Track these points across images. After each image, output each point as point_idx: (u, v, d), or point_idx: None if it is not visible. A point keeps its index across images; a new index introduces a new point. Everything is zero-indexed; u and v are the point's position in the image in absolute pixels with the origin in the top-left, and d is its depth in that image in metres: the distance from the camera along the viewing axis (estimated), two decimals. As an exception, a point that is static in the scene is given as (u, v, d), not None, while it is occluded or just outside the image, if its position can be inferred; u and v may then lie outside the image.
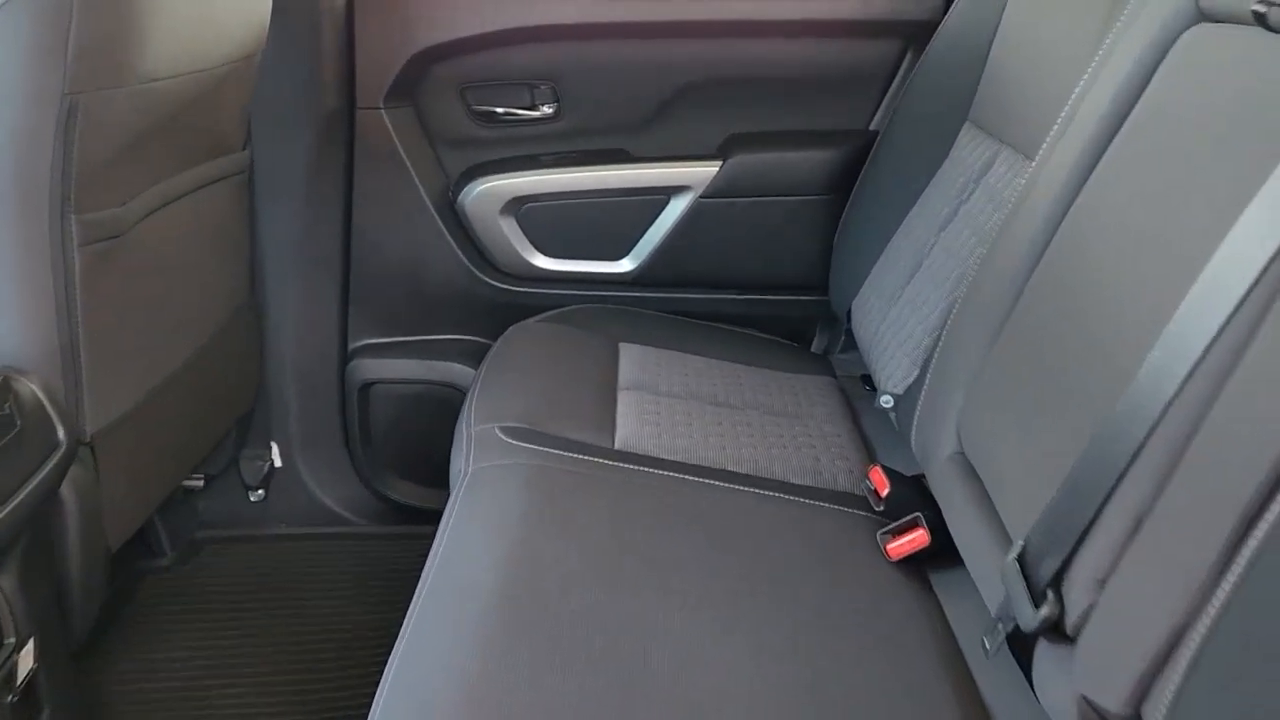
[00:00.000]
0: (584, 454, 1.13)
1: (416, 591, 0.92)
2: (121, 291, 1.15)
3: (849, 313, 1.44)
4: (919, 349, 1.17)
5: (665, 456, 1.17)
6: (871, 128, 1.61)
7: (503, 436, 1.15)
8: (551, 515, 1.01)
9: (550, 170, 1.60)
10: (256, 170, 1.52)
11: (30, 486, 0.96)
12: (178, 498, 1.61)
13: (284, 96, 1.50)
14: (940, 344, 1.12)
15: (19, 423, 0.96)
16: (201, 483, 1.61)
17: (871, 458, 1.27)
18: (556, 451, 1.12)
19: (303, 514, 1.72)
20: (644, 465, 1.13)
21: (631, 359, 1.41)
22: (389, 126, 1.56)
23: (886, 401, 1.19)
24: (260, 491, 1.69)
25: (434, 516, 1.11)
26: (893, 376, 1.22)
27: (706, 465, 1.17)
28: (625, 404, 1.28)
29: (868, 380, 1.48)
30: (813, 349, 1.70)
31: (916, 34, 1.54)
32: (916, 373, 1.16)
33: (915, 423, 1.10)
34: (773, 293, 1.66)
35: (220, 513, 1.69)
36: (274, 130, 1.51)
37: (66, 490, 1.12)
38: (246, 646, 1.43)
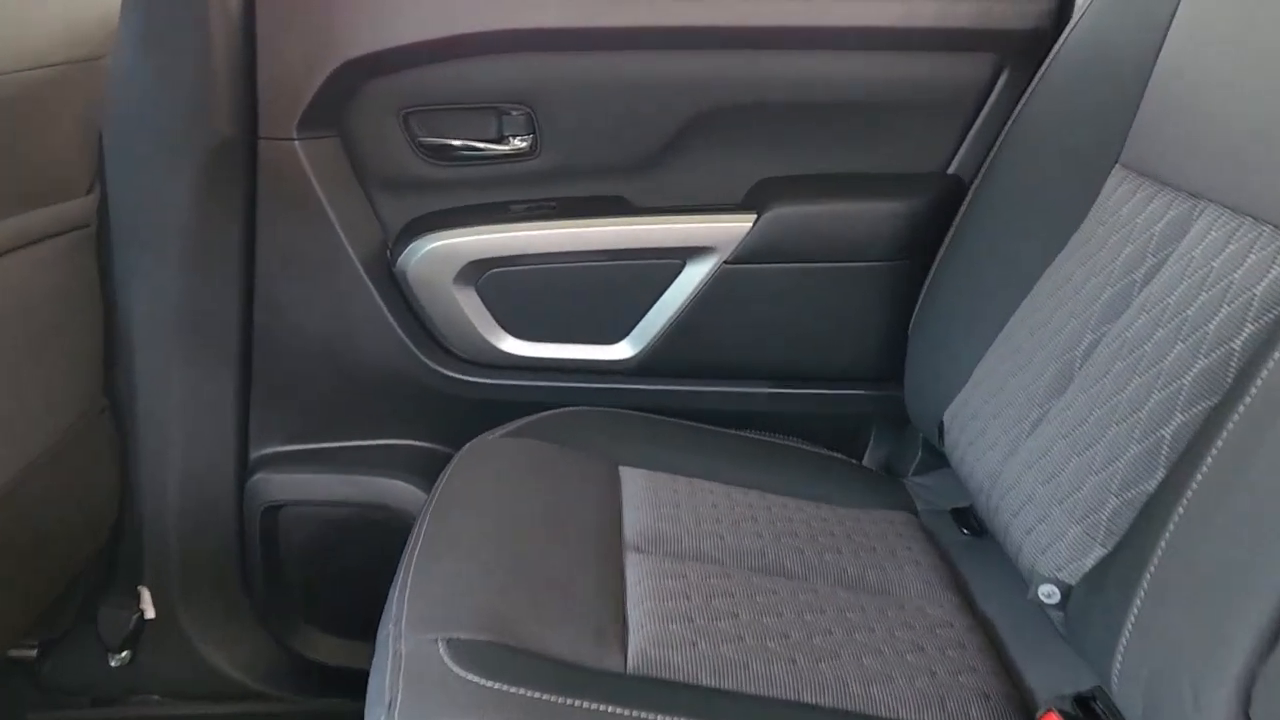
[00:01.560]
0: (576, 696, 0.71)
1: None
2: None
3: (940, 426, 1.04)
4: (1099, 513, 0.76)
5: (707, 682, 0.75)
6: (952, 171, 1.21)
7: (450, 663, 0.72)
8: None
9: (523, 225, 1.18)
10: (114, 222, 1.10)
11: None
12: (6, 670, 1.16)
13: (154, 122, 1.08)
14: (1146, 515, 0.71)
15: None
16: (34, 651, 1.16)
17: (1010, 666, 0.85)
18: (534, 694, 0.70)
19: (186, 681, 1.27)
20: (674, 712, 0.71)
21: (639, 494, 0.99)
22: (304, 163, 1.14)
23: (1049, 595, 0.78)
24: (125, 654, 1.25)
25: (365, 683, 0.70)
26: (1053, 552, 0.80)
27: (771, 696, 0.75)
28: (638, 581, 0.86)
29: (962, 517, 1.08)
30: (865, 461, 1.29)
31: (1018, 48, 1.15)
32: (1102, 550, 0.75)
33: (1121, 648, 0.68)
34: (818, 385, 1.25)
35: (68, 685, 1.25)
36: (139, 168, 1.09)
37: None
38: None
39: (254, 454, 1.25)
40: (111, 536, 1.18)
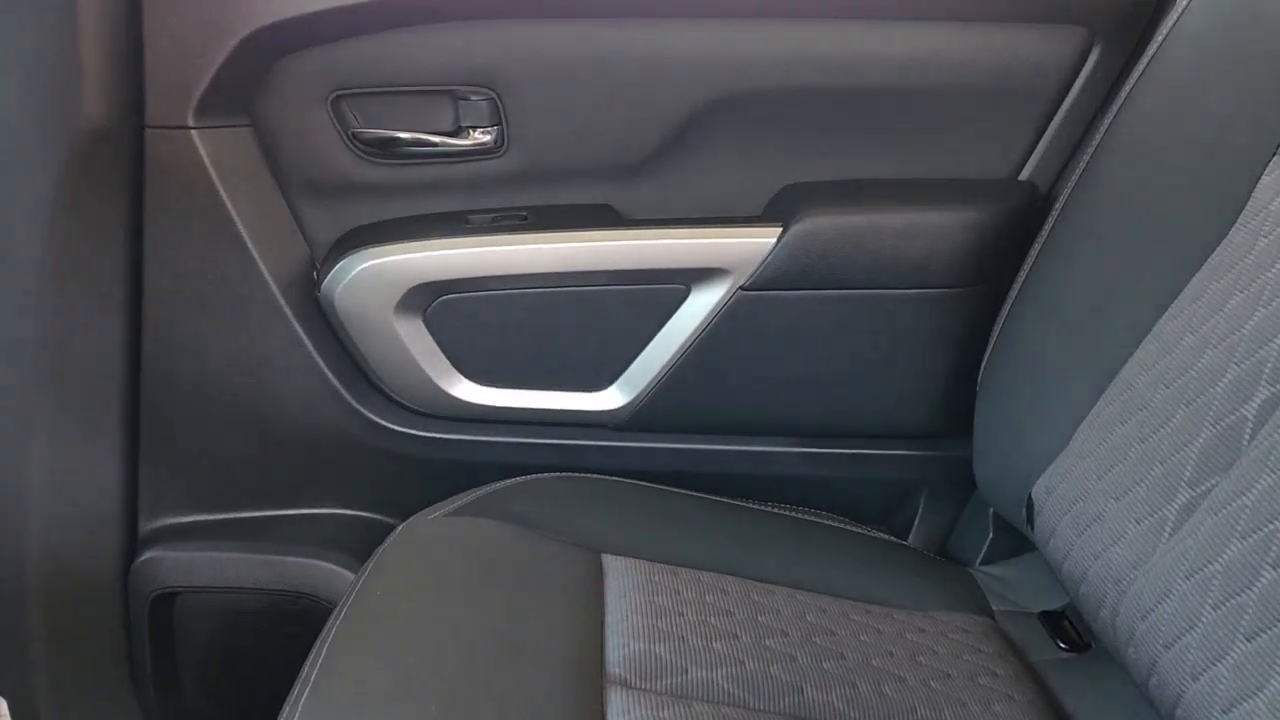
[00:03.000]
0: None
1: None
2: None
3: (1029, 504, 0.78)
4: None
5: None
6: (1025, 176, 0.96)
7: None
8: None
9: (484, 240, 0.93)
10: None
11: None
12: None
13: (6, 106, 0.83)
14: None
15: None
16: None
17: None
18: None
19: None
20: None
21: (627, 596, 0.73)
22: (204, 159, 0.89)
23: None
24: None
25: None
26: (1208, 681, 0.55)
27: None
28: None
29: (1054, 621, 0.82)
30: (912, 538, 1.03)
31: (1114, 20, 0.91)
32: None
33: None
34: (857, 444, 1.00)
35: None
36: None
37: None
38: None
39: (144, 527, 1.00)
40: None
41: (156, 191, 0.90)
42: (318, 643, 0.67)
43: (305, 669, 0.64)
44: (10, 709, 0.98)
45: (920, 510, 1.02)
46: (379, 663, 0.63)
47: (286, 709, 0.60)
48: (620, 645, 0.68)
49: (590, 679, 0.65)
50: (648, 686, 0.65)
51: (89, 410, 0.93)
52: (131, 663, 1.01)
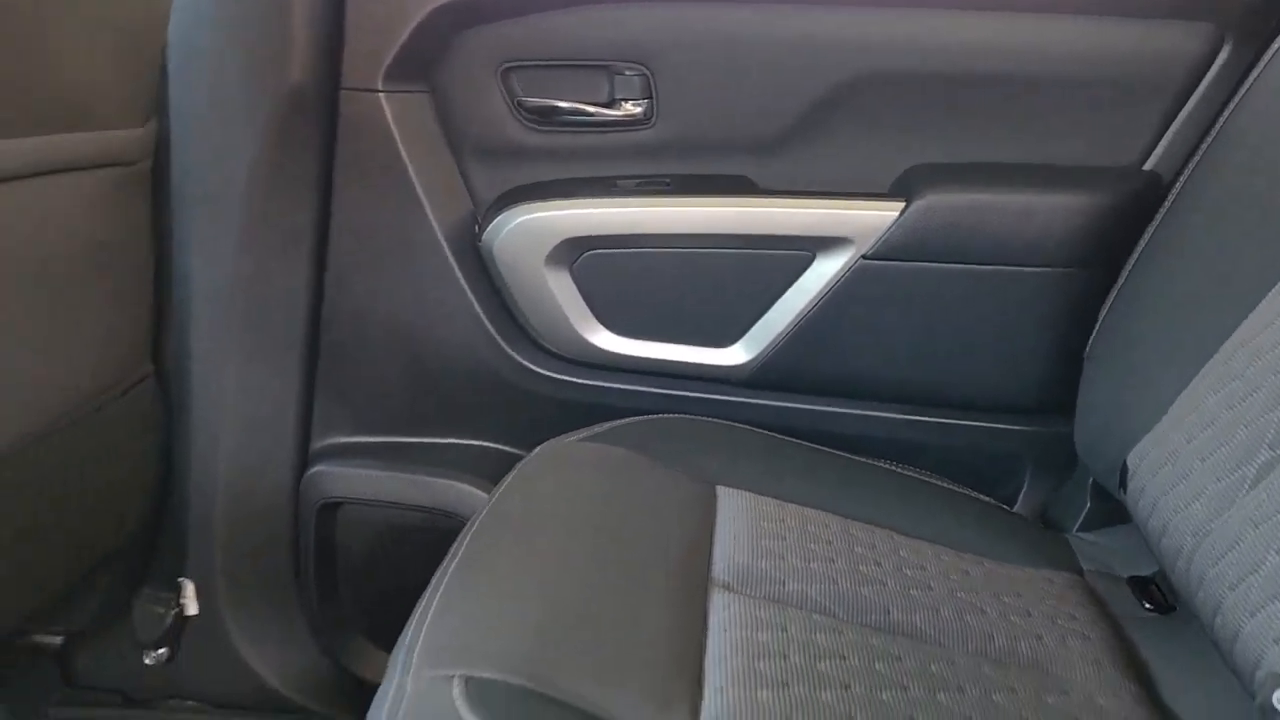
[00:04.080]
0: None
1: None
2: None
3: (1123, 469, 0.82)
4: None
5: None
6: (1149, 166, 1.00)
7: (464, 705, 0.55)
8: None
9: (629, 201, 1.03)
10: (173, 169, 0.99)
11: None
12: (22, 659, 1.06)
13: (223, 60, 0.96)
14: None
15: None
16: (59, 640, 1.05)
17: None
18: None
19: (225, 687, 1.15)
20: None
21: (737, 520, 0.81)
22: (389, 120, 1.01)
23: (1287, 704, 0.56)
24: (162, 651, 1.13)
25: None
26: (1265, 617, 0.59)
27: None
28: (724, 629, 0.68)
29: (1144, 588, 0.86)
30: (1018, 508, 1.07)
31: (1245, 17, 0.94)
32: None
33: None
34: (966, 414, 1.05)
35: (97, 680, 1.13)
36: (203, 111, 0.98)
37: None
38: None
39: (314, 445, 1.13)
40: (151, 521, 1.07)
41: (344, 149, 1.03)
42: (451, 550, 0.76)
43: (437, 574, 0.73)
44: (195, 592, 1.12)
45: (1025, 483, 1.07)
46: (501, 567, 0.72)
47: (420, 608, 0.69)
48: (726, 557, 0.76)
49: (696, 583, 0.73)
50: (747, 592, 0.73)
51: (275, 340, 1.07)
52: (296, 565, 1.14)
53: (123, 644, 1.12)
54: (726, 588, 0.73)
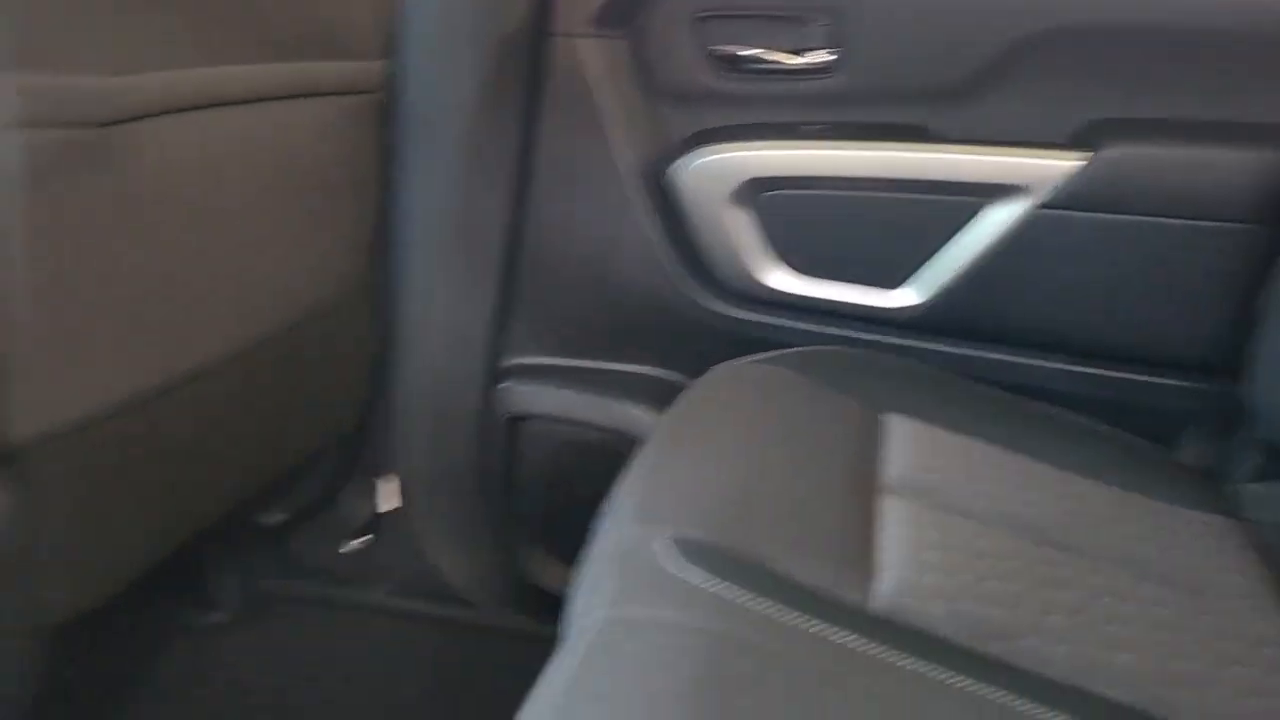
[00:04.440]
0: (812, 616, 0.60)
1: None
2: (106, 225, 0.73)
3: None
4: None
5: (967, 643, 0.62)
6: (1342, 125, 0.99)
7: (669, 559, 0.63)
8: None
9: (810, 145, 1.08)
10: (402, 99, 1.09)
11: None
12: (250, 535, 1.20)
13: (451, 6, 1.06)
14: None
15: None
16: (284, 518, 1.18)
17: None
18: (760, 607, 0.60)
19: (412, 580, 1.27)
20: (929, 660, 0.59)
21: (904, 442, 0.86)
22: (592, 63, 1.10)
23: None
24: (361, 540, 1.25)
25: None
26: None
27: (1048, 676, 0.61)
28: (894, 522, 0.74)
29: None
30: (1186, 459, 1.08)
31: None
32: None
33: None
34: (1130, 368, 1.07)
35: (302, 562, 1.27)
36: (432, 48, 1.08)
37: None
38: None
39: (503, 362, 1.23)
40: (360, 421, 1.19)
41: (550, 88, 1.11)
42: (627, 464, 0.84)
43: (637, 454, 0.81)
44: (391, 491, 1.24)
45: (1182, 438, 1.08)
46: (696, 446, 0.80)
47: (626, 476, 0.77)
48: (894, 469, 0.82)
49: (867, 485, 0.79)
50: (914, 500, 0.78)
51: (475, 264, 1.17)
52: (482, 473, 1.24)
53: (329, 530, 1.25)
54: (894, 493, 0.78)
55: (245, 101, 0.82)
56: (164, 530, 0.88)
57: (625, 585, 0.60)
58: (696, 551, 0.63)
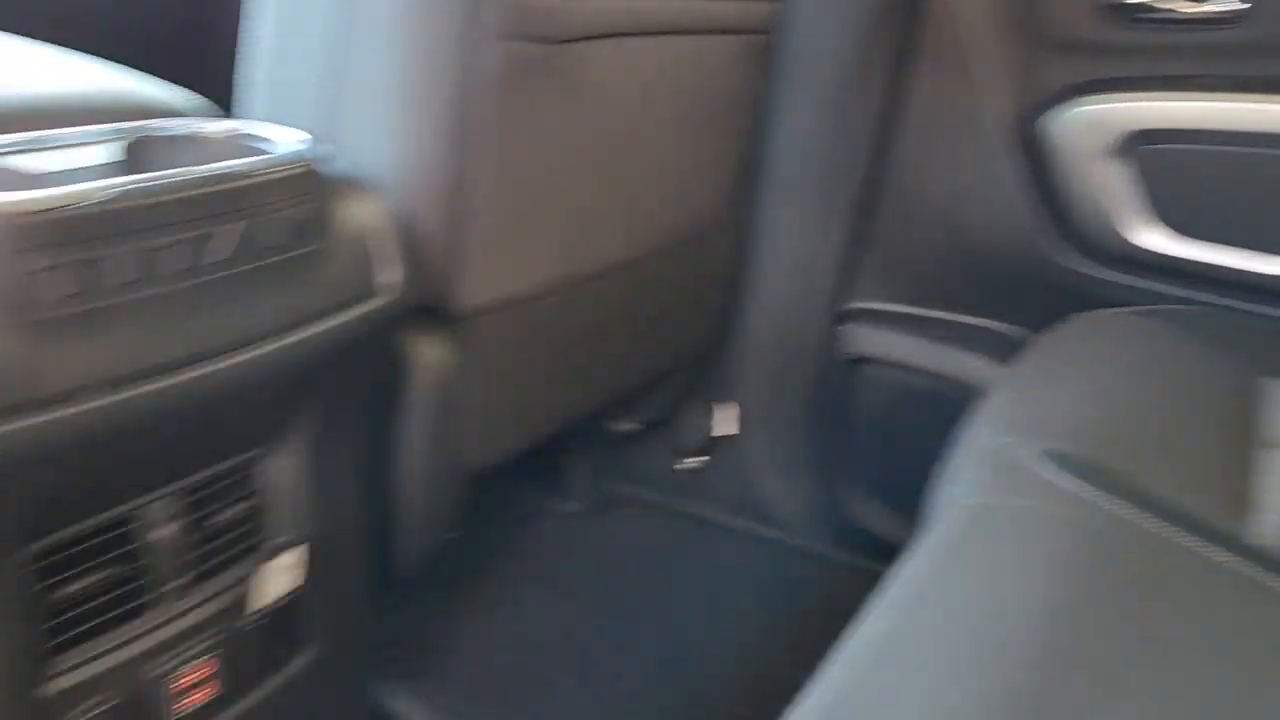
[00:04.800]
0: (1189, 533, 0.60)
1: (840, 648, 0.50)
2: (551, 130, 0.84)
3: None
4: None
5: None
6: None
7: (1040, 465, 0.65)
8: (1124, 632, 0.50)
9: (1206, 97, 1.03)
10: (786, 40, 1.15)
11: (314, 328, 0.67)
12: (605, 439, 1.32)
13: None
14: None
15: (317, 243, 0.67)
16: (631, 429, 1.30)
17: None
18: (1132, 515, 0.60)
19: (739, 505, 1.35)
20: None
21: (1285, 404, 0.82)
22: (965, 10, 1.10)
23: None
24: (698, 460, 1.35)
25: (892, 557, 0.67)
26: None
27: None
28: (1268, 470, 0.71)
29: None
30: None
31: None
32: None
33: None
34: None
35: (644, 471, 1.38)
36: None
37: (419, 372, 0.84)
38: (615, 636, 1.09)
39: (848, 305, 1.27)
40: (707, 345, 1.27)
41: (924, 36, 1.13)
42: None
43: (998, 379, 0.83)
44: (728, 417, 1.33)
45: None
46: (1065, 393, 0.79)
47: (987, 397, 0.80)
48: (1276, 426, 0.78)
49: (1243, 439, 0.76)
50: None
51: (831, 203, 1.21)
52: (817, 410, 1.29)
53: (668, 446, 1.35)
54: (1273, 446, 0.75)
55: (662, 33, 0.91)
56: (555, 407, 1.00)
57: (994, 479, 0.63)
58: (1067, 461, 0.65)
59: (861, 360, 1.26)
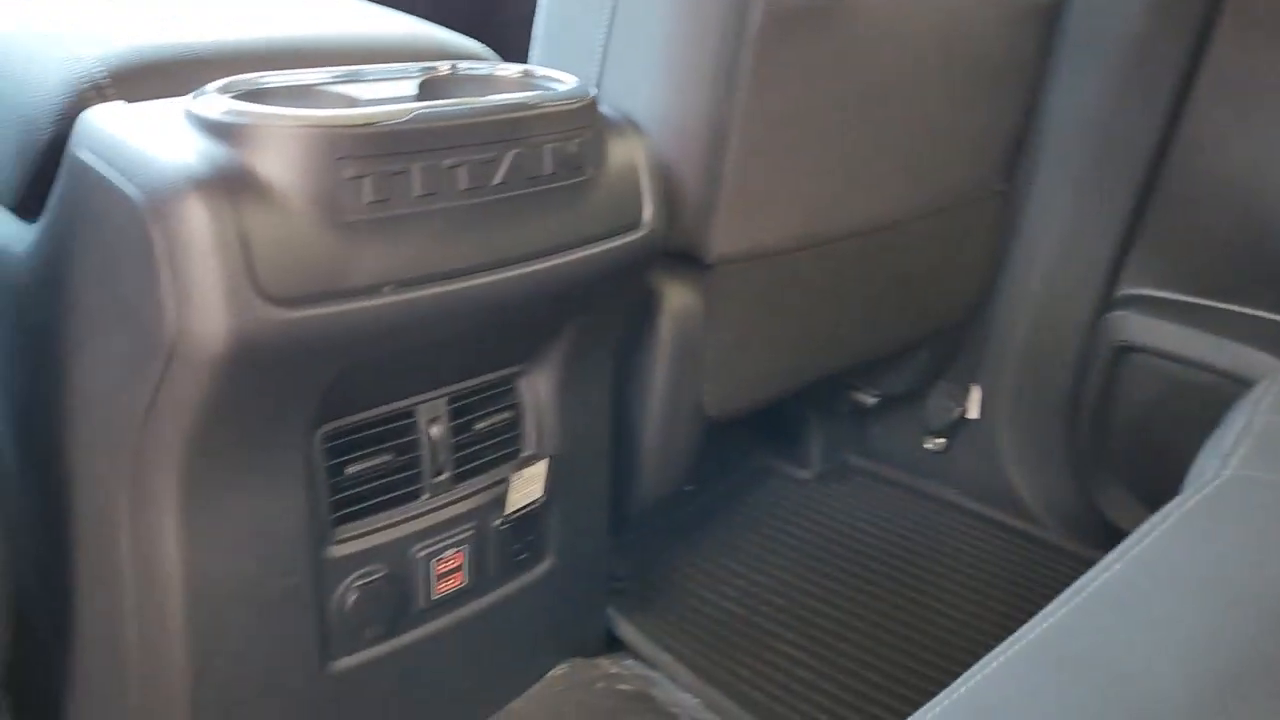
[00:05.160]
0: None
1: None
2: (815, 86, 0.86)
3: None
4: None
5: None
6: None
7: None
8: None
9: None
10: (1074, 9, 1.10)
11: (581, 252, 0.71)
12: (844, 409, 1.32)
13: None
14: None
15: (590, 174, 0.72)
16: (875, 400, 1.29)
17: None
18: None
19: (982, 490, 1.31)
20: None
21: None
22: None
23: None
24: (940, 440, 1.32)
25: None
26: None
27: None
28: None
29: None
30: None
31: None
32: None
33: None
34: None
35: (883, 445, 1.37)
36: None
37: (667, 316, 0.88)
38: (840, 602, 1.10)
39: (1119, 290, 1.20)
40: (961, 321, 1.24)
41: (1232, 4, 1.05)
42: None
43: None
44: (980, 399, 1.29)
45: None
46: None
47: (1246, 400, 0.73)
48: None
49: None
50: None
51: (1109, 182, 1.14)
52: (1076, 398, 1.23)
53: (909, 422, 1.33)
54: None
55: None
56: (797, 366, 1.01)
57: (1257, 453, 0.59)
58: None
59: (1131, 349, 1.19)
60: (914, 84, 0.95)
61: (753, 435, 1.38)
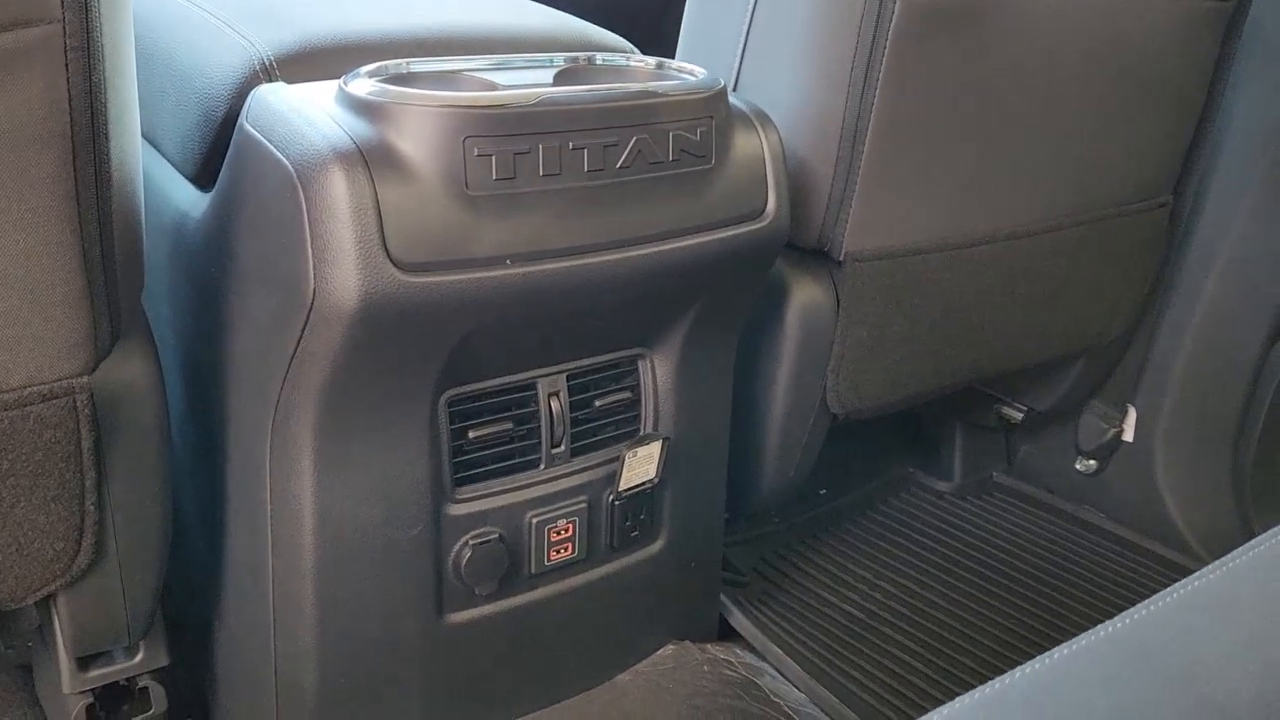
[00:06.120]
0: None
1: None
2: (955, 86, 0.85)
3: None
4: None
5: None
6: None
7: None
8: None
9: None
10: (1249, 15, 1.05)
11: (704, 237, 0.73)
12: (990, 423, 1.28)
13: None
14: None
15: (716, 162, 0.74)
16: (1022, 415, 1.25)
17: None
18: None
19: (1134, 514, 1.24)
20: None
21: None
22: None
23: None
24: (1091, 462, 1.26)
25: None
26: None
27: None
28: None
29: None
30: None
31: None
32: None
33: None
34: None
35: (1031, 463, 1.32)
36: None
37: (794, 309, 0.89)
38: (969, 615, 1.07)
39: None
40: (1110, 340, 1.17)
41: None
42: None
43: None
44: (1136, 420, 1.23)
45: None
46: None
47: None
48: None
49: None
50: None
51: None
52: (1240, 429, 1.15)
53: (1062, 443, 1.28)
54: None
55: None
56: (929, 369, 0.99)
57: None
58: None
59: (1308, 376, 1.11)
60: (1065, 88, 0.93)
61: (895, 443, 1.36)
